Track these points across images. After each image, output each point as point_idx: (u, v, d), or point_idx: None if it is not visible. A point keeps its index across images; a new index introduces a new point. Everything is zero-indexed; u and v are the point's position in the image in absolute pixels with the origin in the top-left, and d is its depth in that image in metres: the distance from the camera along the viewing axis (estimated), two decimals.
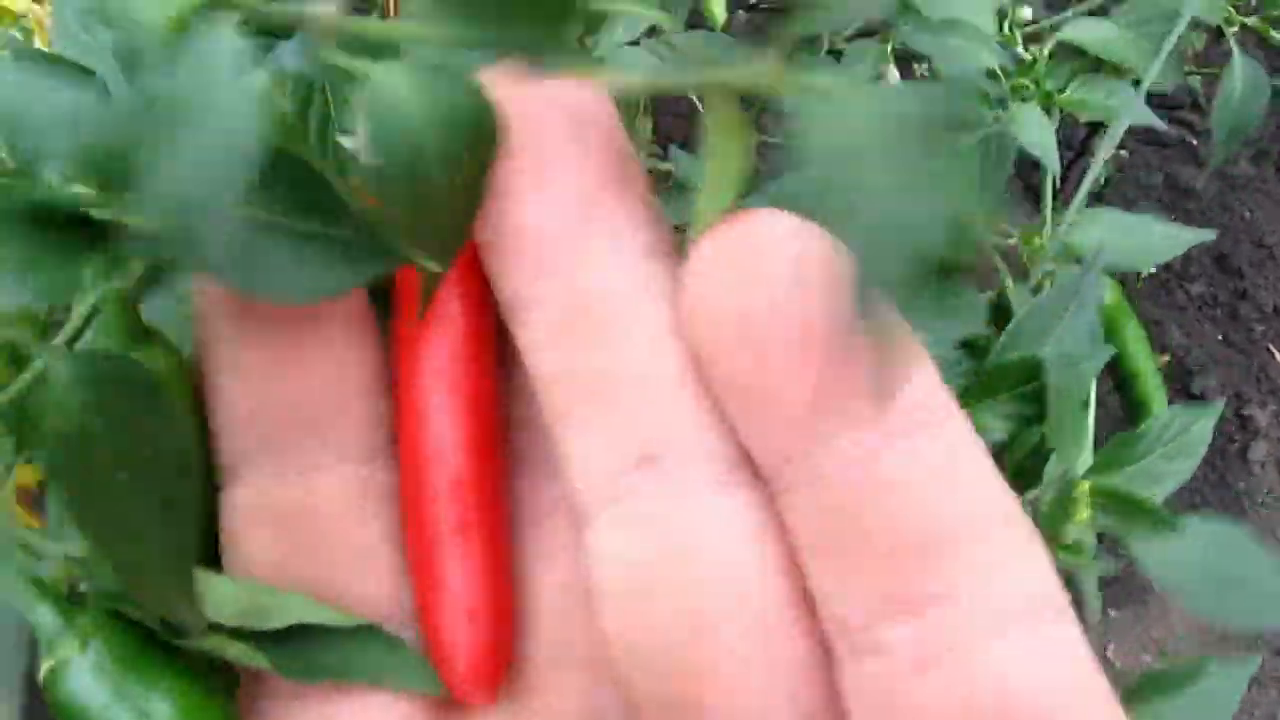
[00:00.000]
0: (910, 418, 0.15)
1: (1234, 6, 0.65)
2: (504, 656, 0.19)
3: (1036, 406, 0.35)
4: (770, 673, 0.16)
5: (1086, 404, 0.38)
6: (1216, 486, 1.16)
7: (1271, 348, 1.24)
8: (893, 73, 0.65)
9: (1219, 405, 0.39)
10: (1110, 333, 0.69)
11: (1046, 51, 0.57)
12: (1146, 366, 0.65)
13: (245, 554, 0.19)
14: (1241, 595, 0.33)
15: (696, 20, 0.77)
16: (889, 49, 0.63)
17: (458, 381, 0.19)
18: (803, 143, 0.15)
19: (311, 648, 0.19)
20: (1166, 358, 1.21)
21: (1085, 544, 0.34)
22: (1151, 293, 1.23)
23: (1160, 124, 0.53)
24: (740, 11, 1.15)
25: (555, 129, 0.18)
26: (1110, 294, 0.67)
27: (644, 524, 0.17)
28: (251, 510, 0.19)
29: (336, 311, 0.19)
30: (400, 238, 0.18)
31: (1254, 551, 0.34)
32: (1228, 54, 0.65)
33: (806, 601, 0.16)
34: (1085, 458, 0.36)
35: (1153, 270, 1.24)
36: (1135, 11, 0.53)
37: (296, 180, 0.18)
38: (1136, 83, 0.52)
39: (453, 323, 0.19)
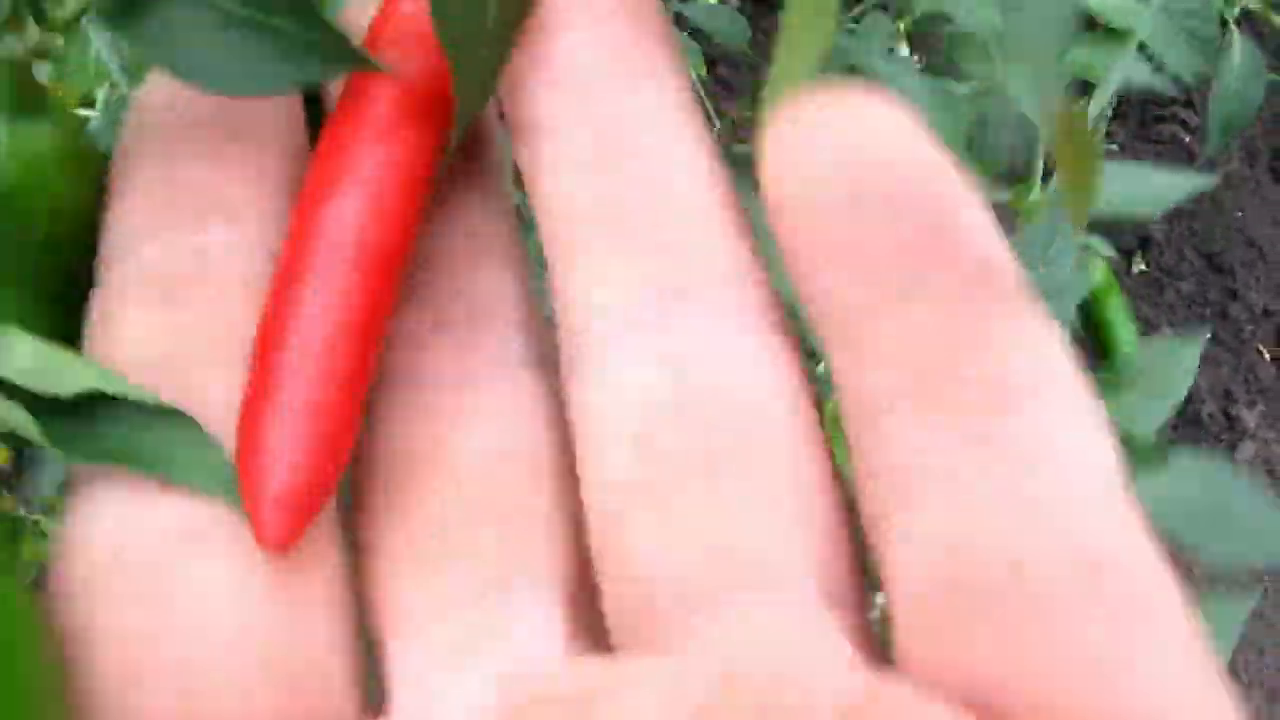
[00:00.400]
0: (990, 291, 0.15)
1: None
2: (318, 499, 0.17)
3: None
4: (792, 499, 0.16)
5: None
6: None
7: (1260, 348, 1.24)
8: (904, 48, 0.65)
9: (1200, 339, 0.38)
10: (1097, 308, 0.69)
11: None
12: (1128, 338, 0.65)
13: (117, 332, 0.17)
14: (1231, 532, 0.32)
15: None
16: (900, 26, 0.63)
17: (372, 200, 0.17)
18: None
19: (104, 427, 0.17)
20: None
21: None
22: (1142, 291, 1.23)
23: (1157, 83, 0.53)
24: None
25: None
26: (1099, 273, 0.67)
27: (666, 359, 0.16)
28: (135, 284, 0.18)
29: (268, 114, 0.19)
30: (450, 62, 0.17)
31: (1244, 487, 0.33)
32: (1227, 49, 0.65)
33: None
34: None
35: (1143, 268, 1.25)
36: None
37: None
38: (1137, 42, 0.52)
39: (388, 141, 0.18)
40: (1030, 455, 0.14)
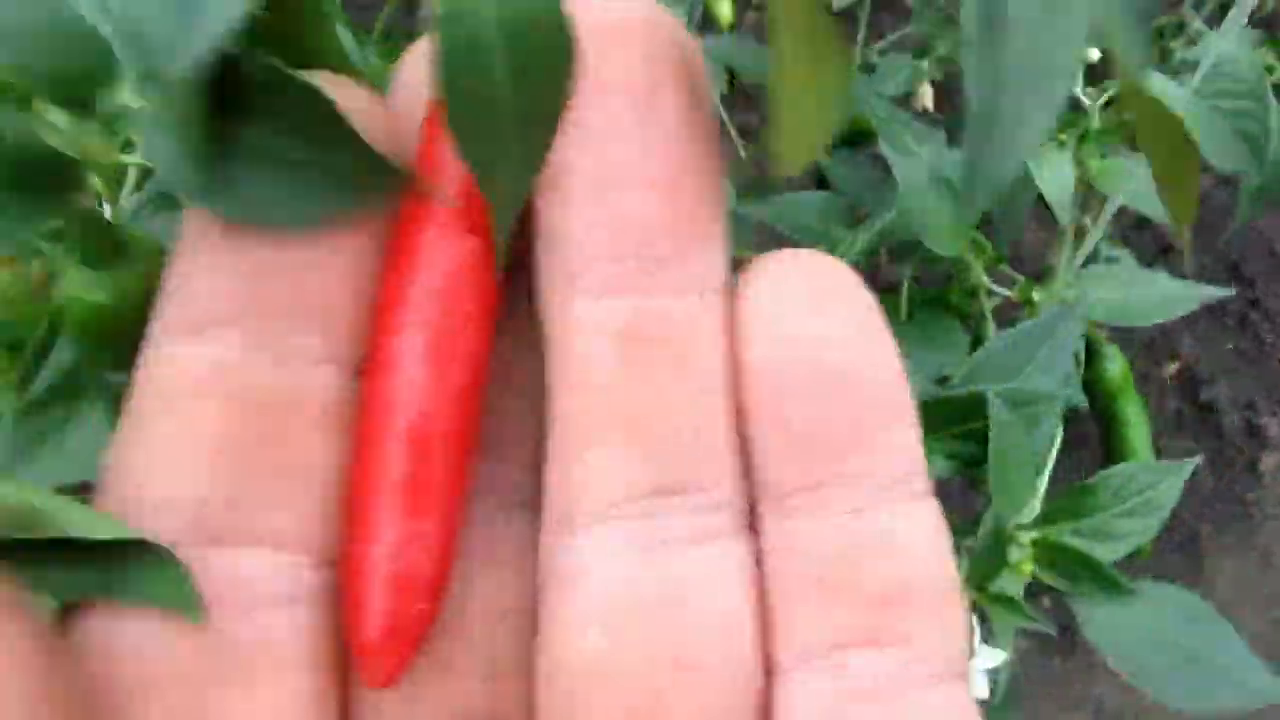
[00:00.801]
0: (906, 484, 0.17)
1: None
2: (418, 640, 0.17)
3: (977, 446, 0.32)
4: (738, 703, 0.17)
5: (1047, 450, 0.34)
6: (1225, 497, 1.16)
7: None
8: (927, 91, 0.62)
9: (1189, 465, 0.36)
10: (1111, 403, 0.67)
11: (1102, 100, 0.55)
12: (1142, 443, 0.63)
13: (180, 421, 0.17)
14: (1194, 673, 0.29)
15: (704, 21, 0.74)
16: (925, 65, 0.60)
17: (455, 316, 0.17)
18: None
19: (77, 560, 0.17)
20: (1176, 366, 1.21)
21: (1015, 597, 0.31)
22: None
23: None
24: (749, 12, 1.13)
25: (644, 84, 0.17)
26: (1116, 364, 0.65)
27: (652, 552, 0.17)
28: (207, 377, 0.17)
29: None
30: (471, 170, 0.17)
31: (1213, 624, 0.30)
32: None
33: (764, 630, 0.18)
34: (1031, 506, 0.33)
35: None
36: (1218, 82, 0.49)
37: (287, 98, 0.17)
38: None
39: (464, 263, 0.18)
40: (904, 655, 0.17)
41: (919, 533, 0.17)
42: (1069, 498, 0.33)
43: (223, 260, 0.17)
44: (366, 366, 0.18)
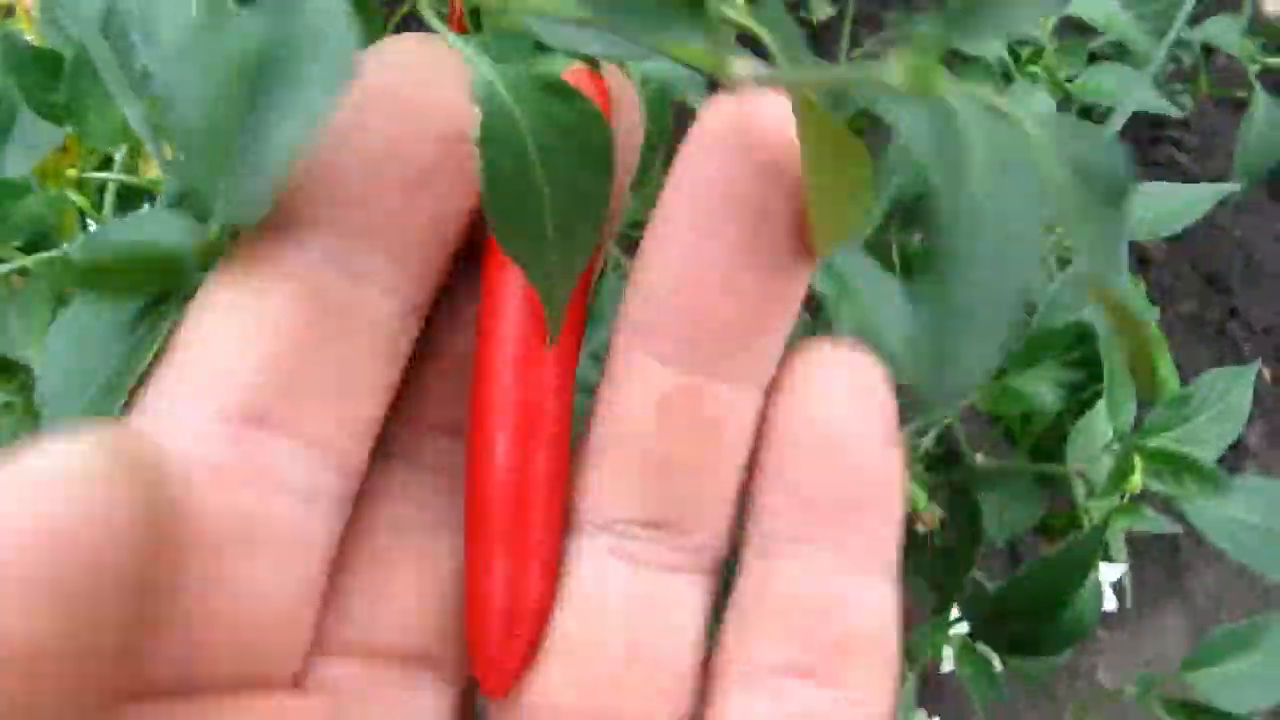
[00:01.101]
0: (878, 563, 0.20)
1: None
2: (526, 657, 0.20)
3: (1084, 372, 0.35)
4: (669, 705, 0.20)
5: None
6: None
7: (1261, 367, 1.23)
8: None
9: (1255, 365, 0.39)
10: None
11: (1050, 28, 0.57)
12: (1169, 372, 0.66)
13: (252, 306, 0.18)
14: None
15: None
16: None
17: (541, 386, 0.19)
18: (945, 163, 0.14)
19: None
20: None
21: (1133, 504, 0.35)
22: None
23: (1171, 109, 0.53)
24: None
25: (722, 185, 0.19)
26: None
27: (632, 565, 0.20)
28: (283, 273, 0.18)
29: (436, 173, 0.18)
30: (517, 264, 0.18)
31: None
32: (1225, 77, 0.66)
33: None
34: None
35: (1143, 288, 1.24)
36: None
37: None
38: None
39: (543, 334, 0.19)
40: (839, 695, 0.19)
41: (877, 605, 0.20)
42: (1166, 409, 0.36)
43: (320, 172, 0.18)
44: (468, 436, 0.20)
